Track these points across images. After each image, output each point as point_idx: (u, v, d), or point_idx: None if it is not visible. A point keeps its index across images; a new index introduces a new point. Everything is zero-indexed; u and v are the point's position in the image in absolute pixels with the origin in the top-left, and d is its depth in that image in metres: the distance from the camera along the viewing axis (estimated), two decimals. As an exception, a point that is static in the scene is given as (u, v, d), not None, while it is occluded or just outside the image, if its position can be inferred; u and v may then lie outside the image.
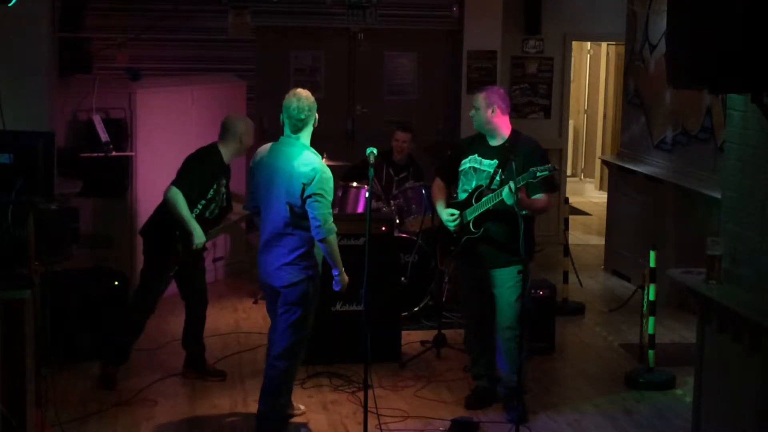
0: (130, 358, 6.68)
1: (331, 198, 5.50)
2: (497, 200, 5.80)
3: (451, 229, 6.05)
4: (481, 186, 5.97)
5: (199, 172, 6.39)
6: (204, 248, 6.58)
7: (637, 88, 9.68)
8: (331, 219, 5.46)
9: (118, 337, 6.56)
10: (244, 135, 6.52)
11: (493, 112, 5.97)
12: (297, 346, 5.67)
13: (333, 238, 5.49)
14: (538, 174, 5.69)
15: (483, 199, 5.92)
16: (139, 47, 9.47)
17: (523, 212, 5.83)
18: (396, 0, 10.40)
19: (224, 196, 6.56)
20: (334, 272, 5.58)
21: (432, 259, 7.77)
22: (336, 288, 5.64)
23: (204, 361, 6.75)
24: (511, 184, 5.67)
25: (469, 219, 5.98)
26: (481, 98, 6.00)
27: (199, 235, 6.27)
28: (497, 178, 5.90)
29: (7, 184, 4.85)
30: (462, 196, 6.08)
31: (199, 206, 6.40)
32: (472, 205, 5.99)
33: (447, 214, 6.06)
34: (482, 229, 5.95)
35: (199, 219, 6.38)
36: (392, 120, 9.79)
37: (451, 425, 5.90)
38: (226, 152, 6.51)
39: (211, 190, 6.44)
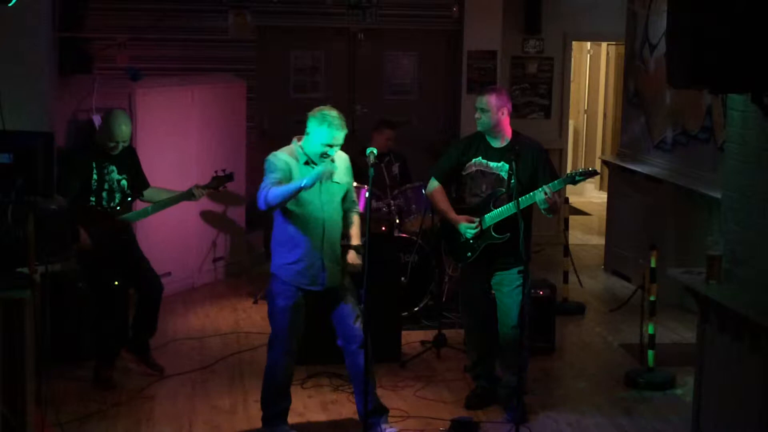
0: (119, 358, 6.67)
1: (271, 177, 5.40)
2: (529, 203, 5.79)
3: (470, 236, 5.97)
4: (501, 190, 5.92)
5: (71, 169, 6.45)
6: (125, 237, 6.57)
7: (637, 88, 9.68)
8: (264, 191, 5.36)
9: (100, 338, 6.57)
10: (100, 129, 6.57)
11: (503, 114, 5.94)
12: (272, 340, 5.65)
13: (270, 203, 5.35)
14: (577, 178, 5.72)
15: (506, 205, 5.84)
16: (139, 47, 9.47)
17: (550, 215, 5.90)
18: (396, 0, 10.40)
19: (118, 184, 6.51)
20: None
21: (432, 259, 7.78)
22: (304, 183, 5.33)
23: (148, 350, 6.76)
24: (546, 188, 5.67)
25: (489, 225, 5.94)
26: (491, 100, 5.91)
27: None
28: (513, 181, 5.81)
29: (7, 184, 4.84)
30: (472, 200, 6.01)
31: (92, 198, 6.43)
32: (491, 210, 5.93)
33: (466, 221, 5.95)
34: (507, 234, 5.85)
35: (96, 209, 6.40)
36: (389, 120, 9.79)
37: (451, 425, 5.89)
38: (100, 140, 6.55)
39: (93, 181, 6.42)
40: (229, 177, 6.94)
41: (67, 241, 5.73)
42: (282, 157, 5.49)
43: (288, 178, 5.42)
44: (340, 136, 5.44)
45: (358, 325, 5.58)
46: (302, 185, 5.28)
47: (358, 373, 5.56)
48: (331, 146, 5.44)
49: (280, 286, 5.56)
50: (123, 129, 6.50)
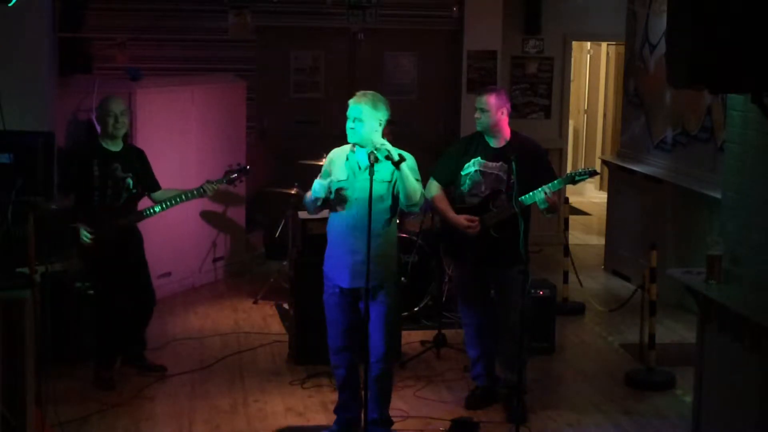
0: (118, 360, 6.67)
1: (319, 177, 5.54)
2: (528, 203, 5.80)
3: (469, 235, 5.98)
4: (500, 191, 5.93)
5: (68, 164, 6.44)
6: (129, 237, 6.55)
7: (637, 88, 9.68)
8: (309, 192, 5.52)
9: (100, 338, 6.57)
10: (98, 116, 6.54)
11: (502, 114, 5.95)
12: None
13: (308, 211, 5.60)
14: (576, 179, 5.74)
15: (506, 204, 5.84)
16: (139, 47, 9.48)
17: (550, 214, 5.93)
18: (396, 0, 10.40)
19: (123, 182, 6.50)
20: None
21: (432, 259, 7.77)
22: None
23: (144, 359, 6.76)
24: (546, 188, 5.68)
25: (488, 224, 5.94)
26: (491, 100, 5.91)
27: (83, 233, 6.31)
28: (512, 181, 5.79)
29: (7, 184, 4.85)
30: (471, 200, 6.02)
31: (95, 197, 6.42)
32: (491, 210, 5.94)
33: (466, 221, 5.97)
34: (507, 233, 5.82)
35: (100, 209, 6.40)
36: (391, 120, 9.83)
37: (451, 425, 5.90)
38: (104, 140, 6.54)
39: (96, 179, 6.40)
40: (244, 170, 6.88)
41: (67, 241, 5.74)
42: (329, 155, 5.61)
43: (326, 174, 5.54)
44: (350, 108, 5.43)
45: (382, 339, 5.49)
46: (313, 197, 5.44)
47: (369, 385, 5.47)
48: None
49: (325, 278, 5.62)
50: (116, 101, 6.52)
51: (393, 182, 5.40)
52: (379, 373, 5.51)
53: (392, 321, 5.56)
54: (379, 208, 5.39)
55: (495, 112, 5.92)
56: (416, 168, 5.44)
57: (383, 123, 5.46)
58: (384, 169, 5.36)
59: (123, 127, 6.55)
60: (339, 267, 5.50)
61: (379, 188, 5.37)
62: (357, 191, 5.41)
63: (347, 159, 5.50)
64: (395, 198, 5.44)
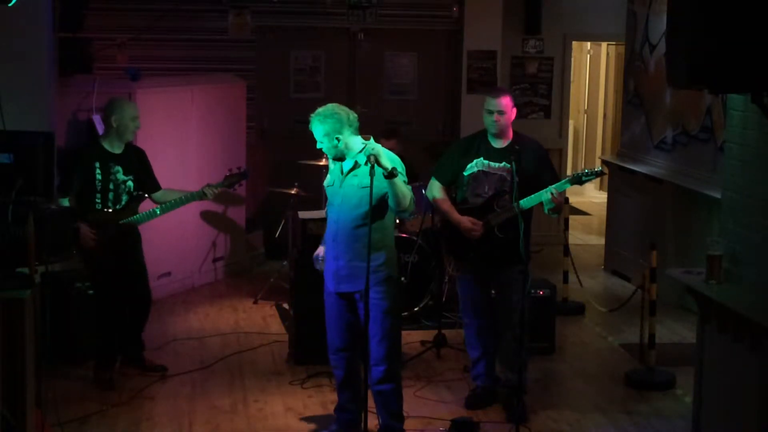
0: (118, 360, 6.67)
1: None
2: (535, 203, 5.80)
3: (474, 236, 5.97)
4: (504, 191, 5.93)
5: (71, 167, 6.46)
6: (130, 240, 6.56)
7: (637, 88, 9.68)
8: None
9: (100, 339, 6.56)
10: (113, 118, 6.51)
11: (514, 114, 5.98)
12: None
13: None
14: (583, 179, 5.75)
15: (510, 205, 5.84)
16: (139, 47, 9.47)
17: (555, 214, 5.96)
18: (396, 0, 10.40)
19: (124, 184, 6.51)
20: None
21: (432, 259, 7.77)
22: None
23: (143, 360, 6.76)
24: (552, 188, 5.69)
25: (492, 224, 5.94)
26: (507, 102, 5.92)
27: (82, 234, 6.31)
28: (515, 181, 5.77)
29: (7, 184, 4.84)
30: (475, 201, 6.02)
31: (97, 199, 6.42)
32: (495, 210, 5.94)
33: (470, 222, 5.97)
34: (511, 233, 5.80)
35: (102, 211, 6.40)
36: (392, 121, 9.83)
37: (451, 425, 5.90)
38: (107, 140, 6.54)
39: (97, 181, 6.41)
40: (243, 175, 6.93)
41: (67, 241, 5.72)
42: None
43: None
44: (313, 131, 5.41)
45: (379, 347, 5.48)
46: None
47: (372, 391, 5.53)
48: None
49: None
50: (135, 106, 6.57)
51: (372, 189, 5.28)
52: (381, 378, 5.50)
53: (389, 326, 5.50)
54: (356, 214, 5.39)
55: (510, 112, 5.95)
56: (404, 171, 5.37)
57: (343, 130, 5.33)
58: (362, 175, 5.30)
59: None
60: (328, 272, 5.59)
61: (358, 194, 5.35)
62: (338, 197, 5.46)
63: (334, 164, 5.56)
64: (382, 204, 5.37)
